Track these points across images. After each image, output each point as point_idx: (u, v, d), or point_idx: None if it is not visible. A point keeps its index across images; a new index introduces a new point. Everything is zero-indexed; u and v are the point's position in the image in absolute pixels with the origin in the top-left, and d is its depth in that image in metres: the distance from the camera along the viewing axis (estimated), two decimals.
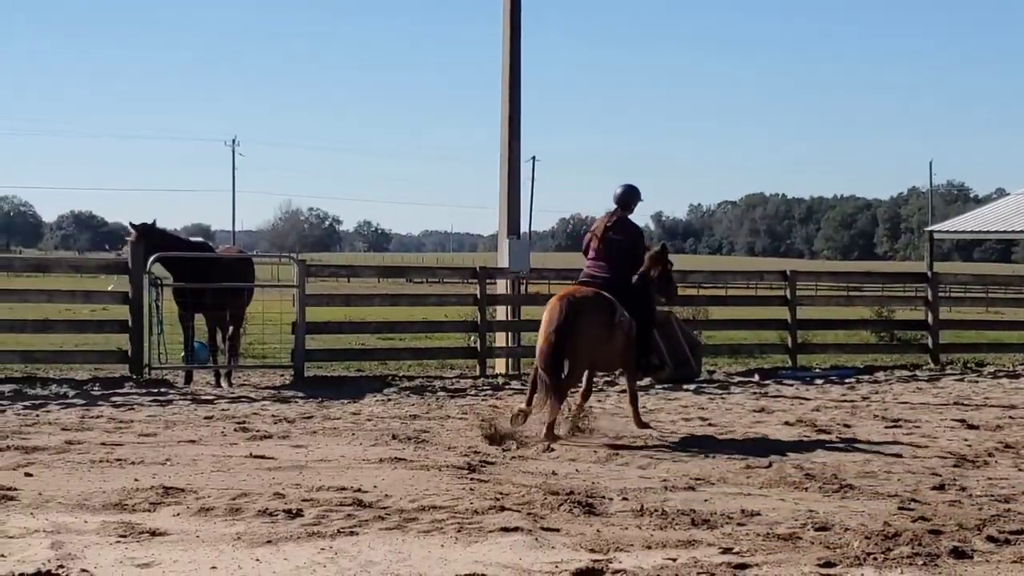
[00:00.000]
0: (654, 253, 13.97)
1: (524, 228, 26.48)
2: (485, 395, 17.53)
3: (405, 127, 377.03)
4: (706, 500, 9.57)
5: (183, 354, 18.58)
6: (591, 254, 13.76)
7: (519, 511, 8.95)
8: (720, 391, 18.41)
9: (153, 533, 8.17)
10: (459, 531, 8.33)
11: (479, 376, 19.80)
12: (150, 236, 18.16)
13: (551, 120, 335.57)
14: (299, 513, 8.76)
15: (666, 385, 18.88)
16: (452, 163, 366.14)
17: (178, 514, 8.79)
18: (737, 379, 20.26)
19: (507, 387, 18.58)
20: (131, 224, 18.30)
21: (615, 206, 13.89)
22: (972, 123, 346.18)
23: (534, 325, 23.56)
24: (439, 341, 24.18)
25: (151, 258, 18.05)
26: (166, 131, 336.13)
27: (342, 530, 8.29)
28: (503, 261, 21.39)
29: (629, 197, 13.85)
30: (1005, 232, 39.26)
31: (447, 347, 22.22)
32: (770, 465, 11.36)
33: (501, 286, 21.80)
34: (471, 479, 10.37)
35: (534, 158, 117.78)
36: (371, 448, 12.17)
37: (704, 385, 19.16)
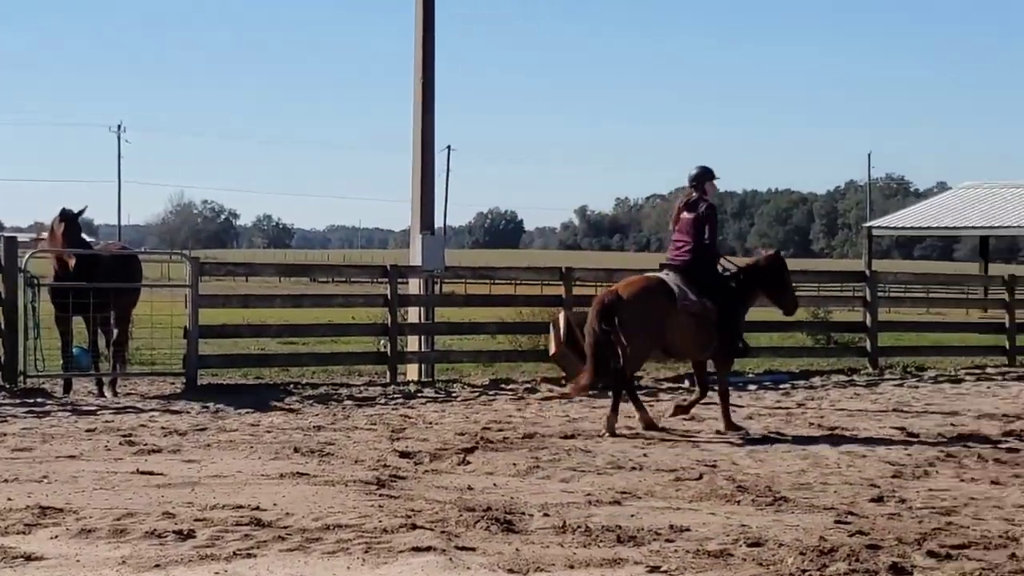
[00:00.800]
0: (767, 256, 15.37)
1: (439, 223, 26.39)
2: (396, 404, 17.47)
3: (309, 114, 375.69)
4: (633, 515, 9.59)
5: (61, 361, 18.28)
6: (673, 236, 15.04)
7: (432, 529, 8.91)
8: (648, 399, 18.45)
9: (28, 558, 8.02)
10: (367, 552, 8.27)
11: (389, 383, 19.73)
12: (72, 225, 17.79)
13: (468, 106, 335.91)
14: (191, 534, 8.66)
15: (590, 392, 18.90)
16: (361, 153, 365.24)
17: (56, 536, 8.65)
18: (667, 385, 20.35)
19: (420, 395, 18.53)
20: (63, 211, 17.87)
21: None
22: (912, 114, 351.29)
23: (449, 328, 23.67)
24: (346, 345, 24.09)
25: (27, 255, 17.76)
26: (42, 115, 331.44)
27: (238, 552, 8.20)
28: (416, 259, 21.33)
29: (699, 176, 14.98)
30: (947, 228, 39.87)
31: (354, 352, 22.14)
32: (700, 477, 11.41)
33: (413, 286, 21.74)
34: (380, 495, 10.32)
35: (449, 147, 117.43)
36: (271, 462, 12.08)
37: None
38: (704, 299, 14.55)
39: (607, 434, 14.18)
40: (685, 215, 14.89)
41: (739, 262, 15.63)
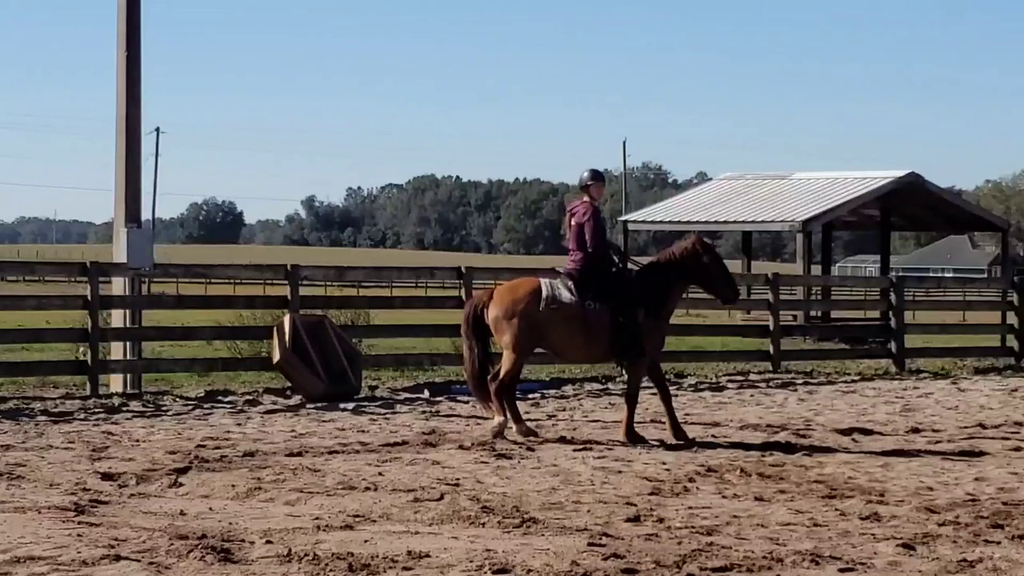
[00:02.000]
0: (683, 247, 15.97)
1: (146, 215, 25.98)
2: (97, 419, 17.13)
3: None
4: (367, 541, 9.58)
5: None
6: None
7: (139, 560, 8.77)
8: (384, 410, 18.49)
9: None
10: None
11: (90, 396, 19.33)
12: None
13: (181, 85, 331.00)
14: None
15: (319, 404, 18.84)
16: (56, 135, 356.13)
17: None
18: (404, 396, 20.41)
19: (125, 409, 18.20)
20: None
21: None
22: (670, 99, 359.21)
23: (159, 333, 23.29)
24: (39, 354, 23.51)
25: None
26: None
27: None
28: (120, 255, 20.93)
29: (585, 180, 16.00)
30: (707, 223, 40.86)
31: (49, 361, 21.66)
32: (441, 497, 11.47)
33: (117, 286, 21.33)
34: (79, 522, 10.11)
35: (158, 129, 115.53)
36: None
37: (365, 404, 19.22)
38: (587, 301, 15.35)
39: (497, 436, 15.31)
40: (573, 223, 15.79)
41: (668, 255, 16.14)
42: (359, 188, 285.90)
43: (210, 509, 10.90)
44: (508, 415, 15.58)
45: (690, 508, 11.24)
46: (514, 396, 15.96)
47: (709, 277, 16.09)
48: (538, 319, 15.43)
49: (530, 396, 20.53)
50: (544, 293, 15.49)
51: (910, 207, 42.77)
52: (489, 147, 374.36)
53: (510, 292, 15.72)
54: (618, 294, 15.53)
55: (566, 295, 15.48)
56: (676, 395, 20.96)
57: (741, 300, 21.19)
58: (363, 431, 16.29)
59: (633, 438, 15.40)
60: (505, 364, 15.67)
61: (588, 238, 15.58)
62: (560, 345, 15.80)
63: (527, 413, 18.30)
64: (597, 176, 16.07)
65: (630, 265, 16.09)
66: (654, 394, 18.05)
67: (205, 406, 18.65)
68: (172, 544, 9.23)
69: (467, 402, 19.50)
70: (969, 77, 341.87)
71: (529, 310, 15.44)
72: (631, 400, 15.74)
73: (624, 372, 16.51)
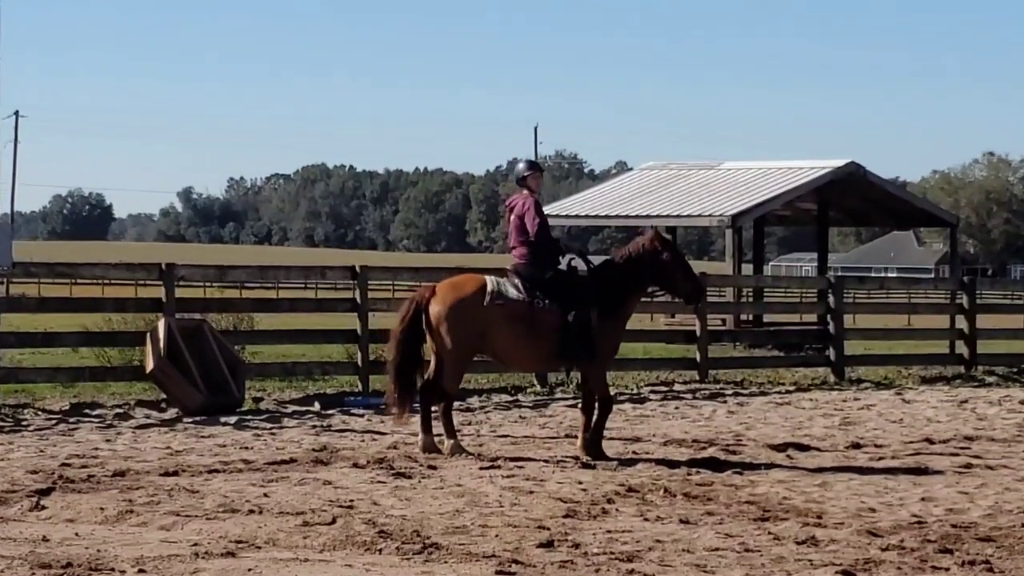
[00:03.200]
0: (640, 243, 15.99)
1: (3, 208, 25.72)
2: None
3: None
4: (250, 569, 9.57)
5: None
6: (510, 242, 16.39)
7: None
8: (270, 424, 18.43)
9: None
10: None
11: None
12: None
13: (43, 65, 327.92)
14: None
15: (197, 418, 18.75)
16: None
17: None
18: (292, 409, 20.35)
19: None
20: None
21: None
22: (584, 81, 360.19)
23: (18, 339, 23.06)
24: None
25: None
26: None
27: None
28: None
29: (520, 173, 16.55)
30: (627, 217, 40.99)
31: None
32: (334, 521, 11.45)
33: None
34: None
35: (17, 113, 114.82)
36: None
37: (248, 417, 19.14)
38: (536, 299, 15.55)
39: (452, 456, 15.36)
40: (513, 218, 16.11)
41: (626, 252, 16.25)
42: (242, 178, 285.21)
43: (76, 535, 10.83)
44: (431, 426, 15.77)
45: (609, 532, 11.28)
46: (450, 406, 15.99)
47: (670, 276, 16.19)
48: (482, 318, 15.56)
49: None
50: (489, 288, 15.64)
51: (850, 200, 43.08)
52: (386, 133, 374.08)
53: (454, 288, 15.85)
54: (569, 291, 15.67)
55: (513, 292, 15.65)
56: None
57: (665, 302, 21.22)
58: (246, 448, 16.23)
59: (596, 453, 15.51)
60: (448, 373, 15.82)
61: (529, 227, 15.81)
62: (505, 348, 15.90)
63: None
64: (533, 166, 16.58)
65: (583, 265, 16.22)
66: (571, 406, 18.12)
67: (70, 420, 18.50)
68: (34, 573, 9.19)
69: (362, 415, 19.49)
70: (913, 58, 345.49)
71: (474, 308, 15.56)
72: (592, 409, 15.84)
73: (569, 378, 16.58)
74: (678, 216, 40.61)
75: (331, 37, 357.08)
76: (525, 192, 16.19)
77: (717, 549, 10.63)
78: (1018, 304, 53.92)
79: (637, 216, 40.81)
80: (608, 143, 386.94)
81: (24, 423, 18.27)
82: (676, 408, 21.40)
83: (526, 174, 16.34)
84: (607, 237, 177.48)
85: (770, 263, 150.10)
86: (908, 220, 48.06)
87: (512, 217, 16.13)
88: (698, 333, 25.79)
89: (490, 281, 15.78)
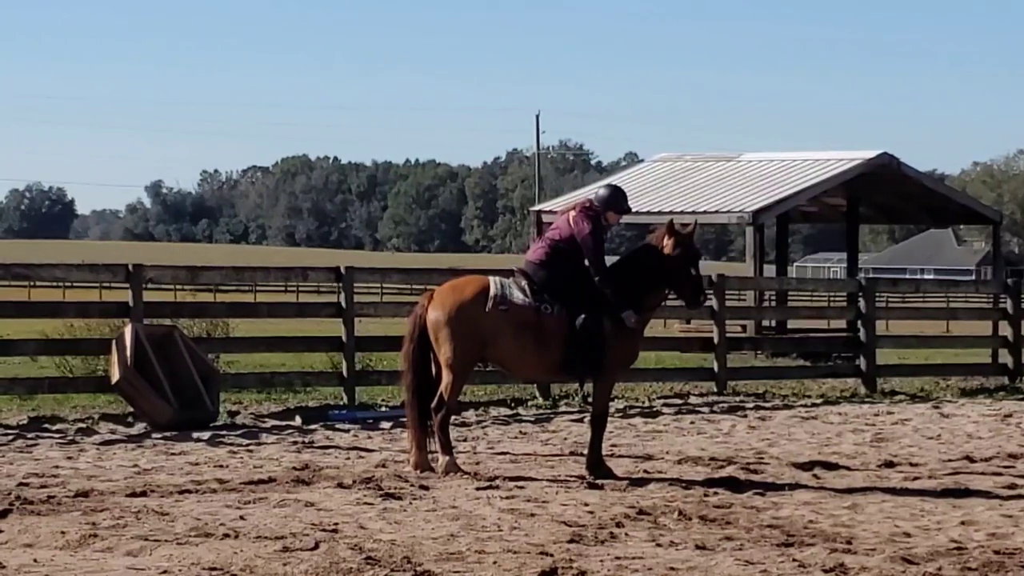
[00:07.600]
0: (655, 239, 16.03)
1: None
2: None
3: None
4: None
5: None
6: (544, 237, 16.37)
7: None
8: (247, 440, 18.45)
9: None
10: None
11: None
12: None
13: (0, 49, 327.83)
14: None
15: (167, 433, 18.75)
16: None
17: None
18: (271, 423, 20.36)
19: None
20: None
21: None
22: (590, 66, 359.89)
23: None
24: None
25: None
26: None
27: None
28: None
29: (600, 199, 16.06)
30: (638, 214, 40.93)
31: None
32: (316, 546, 11.47)
33: None
34: None
35: None
36: None
37: (223, 432, 19.15)
38: (544, 304, 15.51)
39: (447, 474, 15.39)
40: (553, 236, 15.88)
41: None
42: (216, 172, 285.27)
43: (35, 561, 10.86)
44: (438, 444, 15.70)
45: (617, 559, 11.30)
46: (447, 420, 15.89)
47: (681, 274, 16.02)
48: (483, 325, 15.52)
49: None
50: (492, 291, 15.60)
51: (882, 195, 43.07)
52: (373, 122, 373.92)
53: (453, 292, 15.82)
54: (581, 295, 15.58)
55: (519, 296, 15.61)
56: None
57: (679, 308, 21.20)
58: (221, 466, 16.24)
59: (600, 472, 15.54)
60: (446, 384, 15.71)
61: (592, 261, 15.66)
62: (509, 357, 15.86)
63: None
64: (620, 205, 16.21)
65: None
66: (576, 420, 18.13)
67: (28, 436, 18.52)
68: None
69: (347, 431, 19.51)
70: (951, 40, 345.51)
71: (474, 313, 15.53)
72: (598, 423, 15.82)
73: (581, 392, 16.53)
74: (694, 212, 40.48)
75: (314, 18, 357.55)
76: (581, 213, 15.84)
77: None
78: None
79: (648, 212, 40.76)
80: (617, 133, 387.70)
81: None
82: (692, 423, 21.39)
83: (609, 210, 16.03)
84: (616, 236, 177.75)
85: (795, 264, 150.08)
86: (946, 217, 48.00)
87: (553, 234, 15.93)
88: (716, 341, 25.69)
89: (493, 283, 15.71)
